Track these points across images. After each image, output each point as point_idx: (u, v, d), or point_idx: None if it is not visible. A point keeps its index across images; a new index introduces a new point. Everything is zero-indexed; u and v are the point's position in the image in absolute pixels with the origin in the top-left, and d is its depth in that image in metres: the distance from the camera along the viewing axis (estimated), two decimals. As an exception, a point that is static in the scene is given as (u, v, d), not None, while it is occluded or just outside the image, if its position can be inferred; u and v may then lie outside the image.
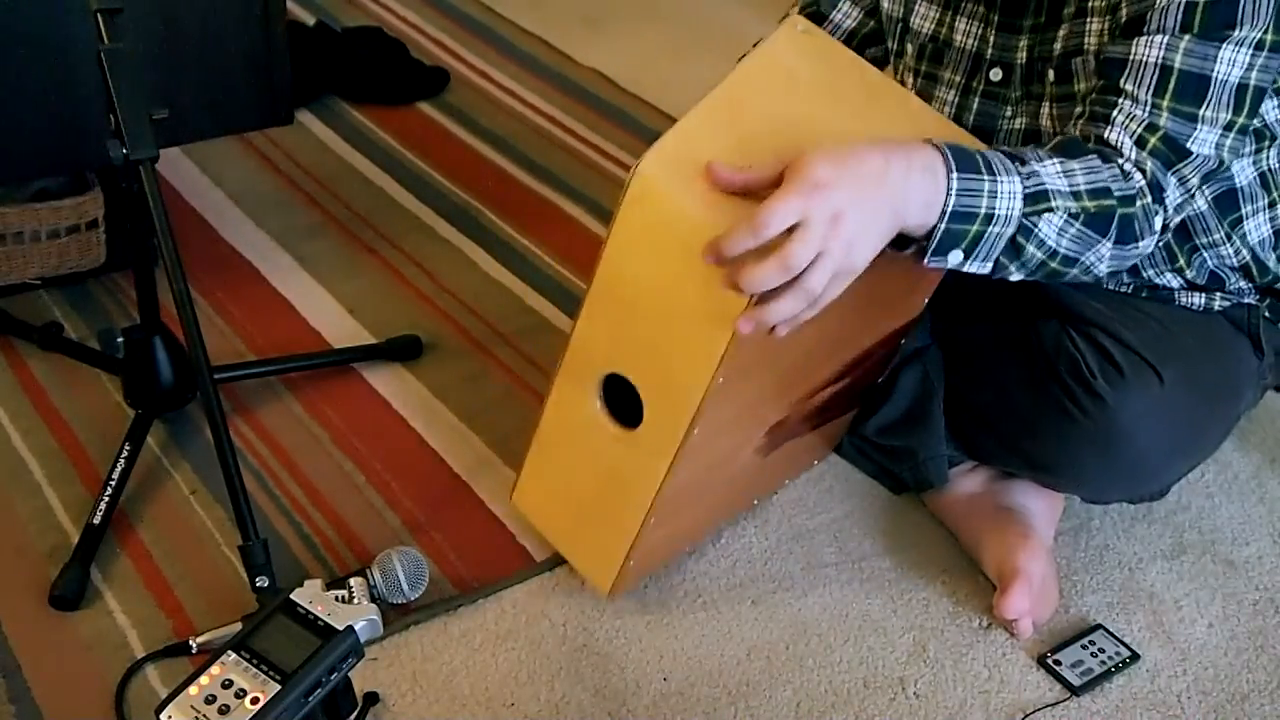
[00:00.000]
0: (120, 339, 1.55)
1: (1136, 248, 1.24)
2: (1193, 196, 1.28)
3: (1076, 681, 1.38)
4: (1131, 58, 1.24)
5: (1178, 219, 1.29)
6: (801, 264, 1.07)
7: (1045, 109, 1.37)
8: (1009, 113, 1.41)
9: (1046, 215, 1.18)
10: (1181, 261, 1.43)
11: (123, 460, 1.50)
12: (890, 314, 1.44)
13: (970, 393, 1.52)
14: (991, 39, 1.39)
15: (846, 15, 1.55)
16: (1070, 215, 1.19)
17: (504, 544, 1.49)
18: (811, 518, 1.58)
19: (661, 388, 1.26)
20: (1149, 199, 1.23)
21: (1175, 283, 1.45)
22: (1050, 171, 1.19)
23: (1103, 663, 1.40)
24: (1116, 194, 1.21)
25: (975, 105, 1.43)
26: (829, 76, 1.32)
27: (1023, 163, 1.18)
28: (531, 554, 1.48)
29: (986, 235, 1.16)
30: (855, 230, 1.09)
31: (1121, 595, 1.50)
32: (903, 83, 1.51)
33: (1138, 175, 1.23)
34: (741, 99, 1.27)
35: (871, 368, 1.52)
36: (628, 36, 2.78)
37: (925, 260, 1.18)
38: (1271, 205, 1.42)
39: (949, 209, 1.14)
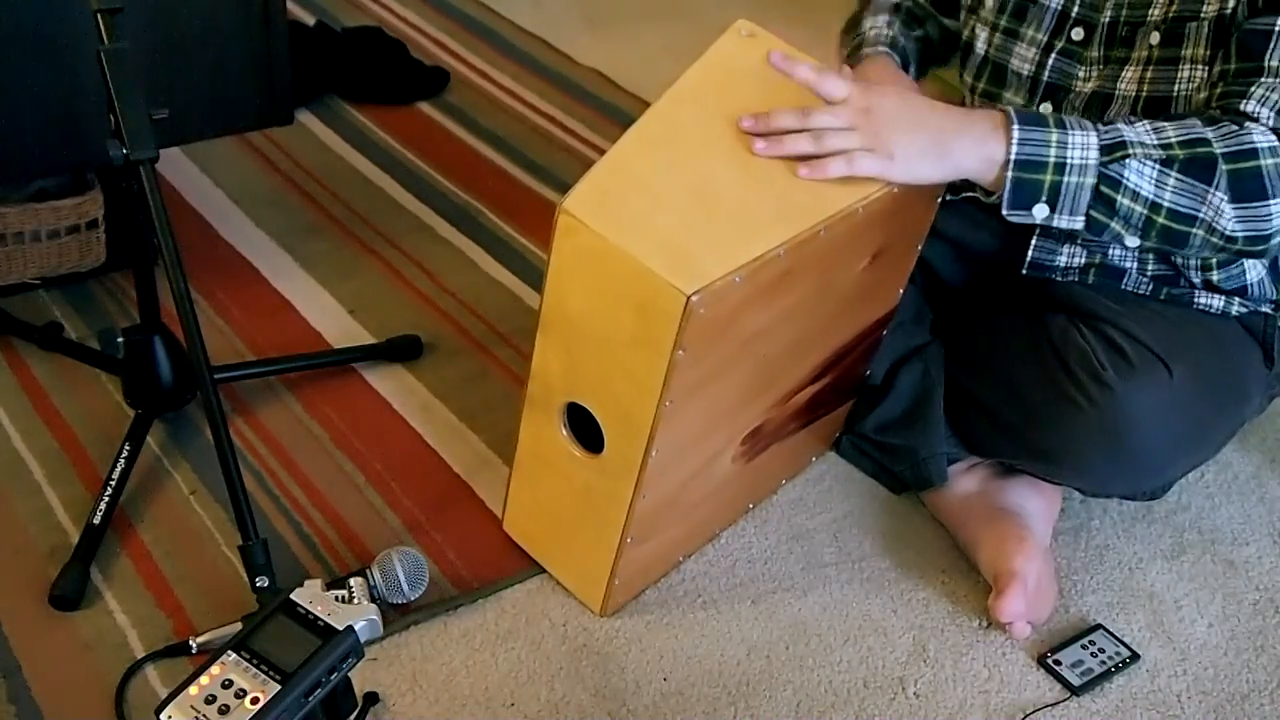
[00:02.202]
0: (120, 339, 1.55)
1: (1269, 206, 1.23)
2: None
3: (1076, 681, 1.38)
4: (1277, 30, 1.25)
5: None
6: (820, 122, 1.25)
7: (1130, 72, 1.38)
8: (1083, 74, 1.42)
9: (1130, 164, 1.22)
10: (1212, 259, 1.43)
11: (123, 460, 1.50)
12: (862, 308, 1.45)
13: (974, 383, 1.52)
14: None
15: None
16: (1160, 164, 1.22)
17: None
18: (811, 518, 1.58)
19: (615, 414, 1.27)
20: None
21: (1197, 279, 1.45)
22: (1136, 129, 1.24)
23: (1103, 663, 1.40)
24: (1221, 148, 1.22)
25: (1052, 63, 1.45)
26: (772, 79, 1.33)
27: (1104, 123, 1.24)
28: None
29: (1065, 186, 1.22)
30: (887, 124, 1.24)
31: (1121, 595, 1.50)
32: (971, 39, 1.53)
33: (1272, 137, 1.22)
34: (679, 114, 1.29)
35: (855, 361, 1.52)
36: (628, 36, 2.78)
37: (1007, 213, 1.25)
38: None
39: (1013, 156, 1.23)
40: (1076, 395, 1.39)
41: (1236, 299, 1.47)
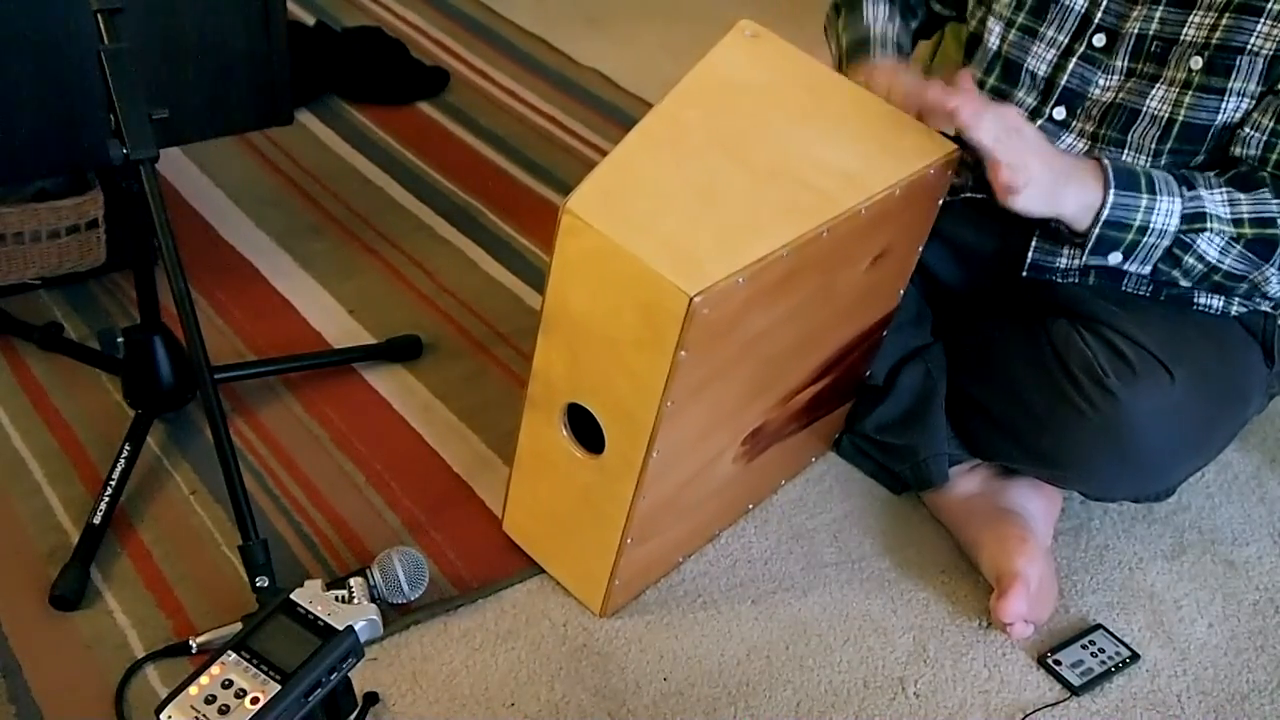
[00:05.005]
0: (120, 339, 1.55)
1: None
2: None
3: (1076, 681, 1.38)
4: None
5: None
6: (977, 113, 1.26)
7: (1162, 91, 1.38)
8: (1102, 82, 1.42)
9: (1205, 235, 1.30)
10: None
11: (123, 460, 1.50)
12: (864, 308, 1.45)
13: (977, 389, 1.52)
14: (1104, 2, 1.40)
15: None
16: (1231, 239, 1.31)
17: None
18: (811, 518, 1.58)
19: (617, 415, 1.27)
20: None
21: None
22: (1215, 199, 1.31)
23: (1103, 663, 1.40)
24: None
25: (1071, 67, 1.44)
26: (775, 80, 1.33)
27: (1190, 186, 1.31)
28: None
29: (1143, 244, 1.32)
30: (1031, 153, 1.27)
31: (1121, 595, 1.50)
32: (981, 32, 1.51)
33: None
34: (682, 115, 1.29)
35: (855, 362, 1.52)
36: (628, 36, 2.78)
37: (1085, 257, 1.33)
38: None
39: (1103, 217, 1.30)
40: (1080, 401, 1.39)
41: (1236, 299, 1.47)
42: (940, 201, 1.41)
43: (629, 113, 2.45)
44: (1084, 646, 1.42)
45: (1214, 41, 1.34)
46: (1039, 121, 1.47)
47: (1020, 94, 1.49)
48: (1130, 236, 1.31)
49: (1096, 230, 1.30)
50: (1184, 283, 1.36)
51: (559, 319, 1.27)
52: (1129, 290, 1.48)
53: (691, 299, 1.13)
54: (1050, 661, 1.40)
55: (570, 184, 1.24)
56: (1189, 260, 1.32)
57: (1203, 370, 1.41)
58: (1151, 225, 1.30)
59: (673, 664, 1.38)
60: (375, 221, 2.08)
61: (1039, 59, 1.46)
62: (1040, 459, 1.48)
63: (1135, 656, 1.42)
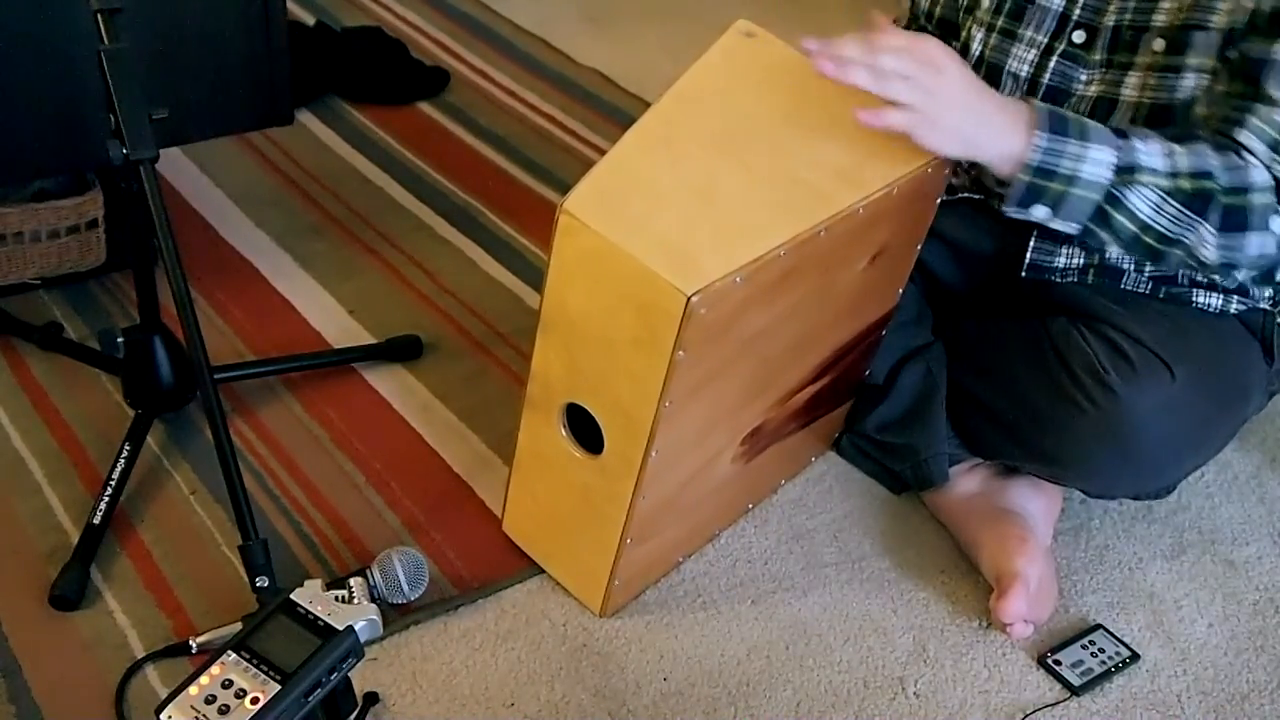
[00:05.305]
0: (120, 339, 1.55)
1: (1245, 239, 1.25)
2: None
3: (1076, 681, 1.38)
4: (1274, 59, 1.25)
5: None
6: (885, 64, 1.20)
7: (1133, 79, 1.37)
8: (1084, 78, 1.41)
9: (1137, 188, 1.23)
10: None
11: (123, 460, 1.50)
12: (862, 308, 1.45)
13: (977, 387, 1.52)
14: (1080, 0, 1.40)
15: None
16: (1165, 192, 1.23)
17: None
18: (811, 518, 1.58)
19: (615, 415, 1.27)
20: (1273, 199, 1.25)
21: (1199, 277, 1.45)
22: (1150, 149, 1.24)
23: (1103, 663, 1.40)
24: (1223, 182, 1.24)
25: (1052, 65, 1.43)
26: (772, 79, 1.33)
27: (1124, 137, 1.24)
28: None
29: (1070, 196, 1.23)
30: (947, 92, 1.21)
31: (1121, 595, 1.50)
32: (967, 40, 1.50)
33: (1264, 175, 1.25)
34: (679, 115, 1.29)
35: (855, 361, 1.52)
36: (628, 36, 2.78)
37: (1009, 207, 1.26)
38: None
39: (1032, 163, 1.23)
40: (1079, 398, 1.39)
41: (1235, 297, 1.47)
42: (939, 201, 1.41)
43: (629, 113, 2.45)
44: (1084, 646, 1.42)
45: (1176, 23, 1.33)
46: None
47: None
48: (1057, 186, 1.24)
49: (1023, 178, 1.24)
50: (1114, 249, 1.31)
51: (557, 319, 1.27)
52: (1128, 288, 1.48)
53: (689, 298, 1.13)
54: (1050, 661, 1.40)
55: (570, 184, 1.24)
56: (1119, 219, 1.25)
57: (1203, 367, 1.41)
58: (1080, 175, 1.23)
59: (673, 664, 1.38)
60: (375, 221, 2.08)
61: (1019, 60, 1.45)
62: (1041, 457, 1.48)
63: (1135, 656, 1.42)
